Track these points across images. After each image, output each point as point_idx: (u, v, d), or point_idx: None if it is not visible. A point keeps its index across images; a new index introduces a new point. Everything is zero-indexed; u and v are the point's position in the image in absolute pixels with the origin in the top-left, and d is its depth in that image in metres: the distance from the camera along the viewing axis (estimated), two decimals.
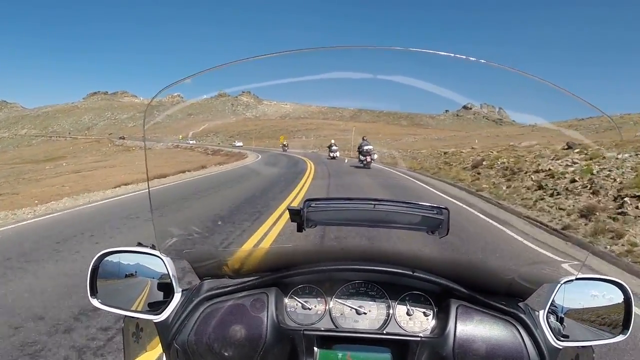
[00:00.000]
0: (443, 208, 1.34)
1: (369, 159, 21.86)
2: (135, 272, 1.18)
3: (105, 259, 1.17)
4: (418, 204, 1.38)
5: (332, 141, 34.11)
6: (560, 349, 1.10)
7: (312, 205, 1.35)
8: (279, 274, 1.19)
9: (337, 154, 31.79)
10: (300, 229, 1.37)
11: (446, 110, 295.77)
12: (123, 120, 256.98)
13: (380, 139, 62.62)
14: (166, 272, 1.15)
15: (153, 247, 1.17)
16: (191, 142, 60.24)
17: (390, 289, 1.21)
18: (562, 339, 1.10)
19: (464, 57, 1.09)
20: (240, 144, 64.28)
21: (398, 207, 1.37)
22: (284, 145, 47.68)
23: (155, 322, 1.13)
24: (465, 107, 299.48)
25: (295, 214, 1.35)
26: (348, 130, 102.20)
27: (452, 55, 1.10)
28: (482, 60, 1.13)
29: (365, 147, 22.07)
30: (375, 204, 1.36)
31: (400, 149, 35.59)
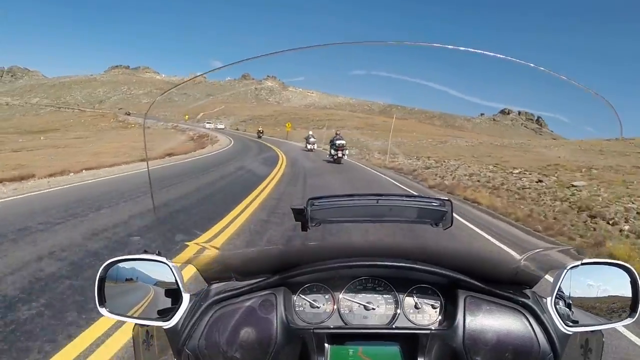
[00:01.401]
0: (446, 200, 1.41)
1: (340, 154, 22.05)
2: (143, 279, 1.19)
3: (112, 267, 1.18)
4: (421, 197, 1.47)
5: (310, 132, 33.70)
6: (570, 334, 1.13)
7: (315, 203, 1.39)
8: (286, 274, 1.20)
9: (315, 146, 31.45)
10: (304, 228, 1.42)
11: (482, 114, 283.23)
12: (138, 95, 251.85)
13: (415, 138, 52.80)
14: (173, 278, 1.16)
15: (159, 254, 1.18)
16: (208, 125, 60.95)
17: (397, 283, 1.24)
18: (571, 324, 1.13)
19: (510, 58, 1.16)
20: (222, 126, 65.65)
21: (401, 201, 1.44)
22: (260, 132, 48.98)
23: (165, 329, 1.15)
24: (502, 112, 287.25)
25: (299, 213, 1.40)
26: (378, 125, 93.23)
27: (501, 56, 1.16)
28: (531, 64, 1.17)
29: (338, 142, 22.36)
30: (378, 199, 1.40)
31: (455, 156, 26.87)
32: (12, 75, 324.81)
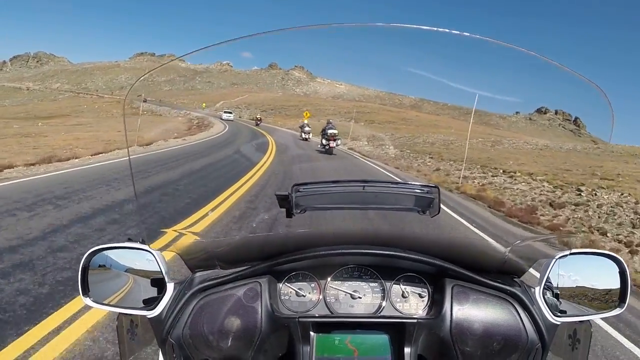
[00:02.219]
0: (433, 186, 1.42)
1: (332, 143, 21.79)
2: (127, 268, 1.19)
3: (95, 256, 1.18)
4: (408, 184, 1.49)
5: (305, 122, 33.75)
6: (558, 324, 1.14)
7: (300, 190, 1.40)
8: (271, 262, 1.20)
9: (310, 135, 31.24)
10: (289, 214, 1.43)
11: (517, 112, 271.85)
12: (160, 82, 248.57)
13: (458, 136, 45.96)
14: (158, 267, 1.16)
15: (143, 242, 1.18)
16: (226, 115, 57.77)
17: (384, 271, 1.24)
18: (559, 314, 1.14)
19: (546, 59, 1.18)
20: (230, 116, 59.00)
21: (388, 188, 1.46)
22: (257, 119, 50.11)
23: (149, 318, 1.14)
24: (538, 111, 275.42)
25: (284, 200, 1.41)
26: (410, 119, 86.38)
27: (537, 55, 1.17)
28: (567, 69, 1.18)
29: (330, 131, 21.93)
30: (364, 186, 1.42)
31: (545, 168, 19.99)
32: (37, 61, 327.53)
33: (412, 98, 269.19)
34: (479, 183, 15.95)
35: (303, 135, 31.27)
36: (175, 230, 4.58)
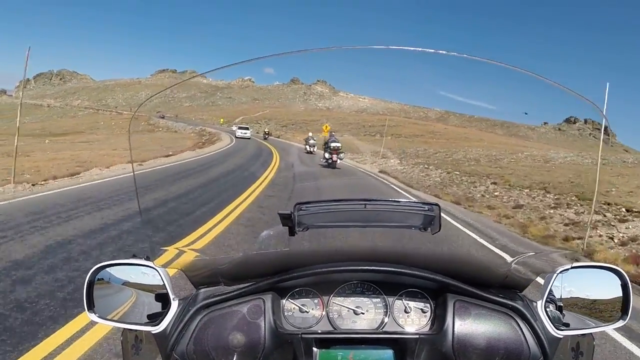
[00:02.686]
0: (434, 204, 1.45)
1: (335, 157, 21.08)
2: (132, 284, 1.22)
3: (101, 272, 1.20)
4: (409, 202, 1.51)
5: (310, 134, 33.81)
6: (561, 338, 1.16)
7: (302, 208, 1.43)
8: (275, 279, 1.22)
9: (315, 148, 30.62)
10: (292, 232, 1.47)
11: (545, 122, 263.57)
12: (180, 99, 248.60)
13: (494, 148, 41.59)
14: (162, 283, 1.18)
15: (147, 259, 1.21)
16: (240, 132, 48.39)
17: (387, 287, 1.26)
18: (562, 327, 1.16)
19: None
20: (247, 133, 47.67)
21: (389, 206, 1.49)
22: (266, 133, 49.84)
23: (153, 334, 1.17)
24: (567, 121, 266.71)
25: (286, 218, 1.45)
26: (439, 132, 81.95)
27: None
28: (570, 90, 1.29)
29: (333, 144, 21.22)
30: (366, 204, 1.45)
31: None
32: (60, 78, 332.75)
33: (438, 110, 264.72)
34: (617, 240, 9.55)
35: (308, 149, 31.03)
36: (176, 248, 4.28)
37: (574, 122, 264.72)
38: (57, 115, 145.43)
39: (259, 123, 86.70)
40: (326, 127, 35.75)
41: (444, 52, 1.24)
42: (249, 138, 46.04)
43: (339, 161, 21.61)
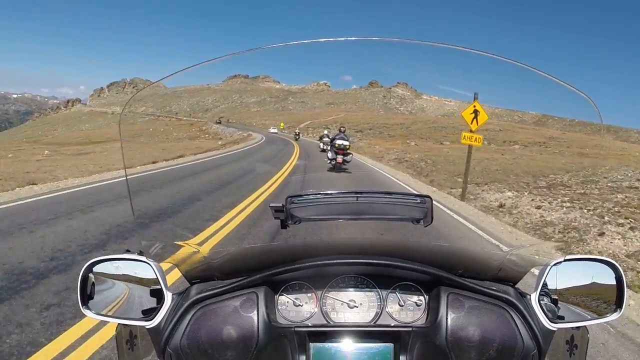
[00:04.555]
0: (425, 196, 1.48)
1: (340, 159, 17.65)
2: (126, 279, 1.23)
3: (94, 267, 1.21)
4: (400, 194, 1.52)
5: (325, 132, 32.95)
6: (554, 330, 1.17)
7: (294, 201, 1.47)
8: (268, 272, 1.23)
9: (328, 146, 25.07)
10: (284, 225, 1.51)
11: None
12: (248, 104, 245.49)
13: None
14: (156, 278, 1.20)
15: (141, 254, 1.22)
16: (272, 129, 70.54)
17: (381, 280, 1.28)
18: (557, 320, 1.17)
19: None
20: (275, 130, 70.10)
21: (381, 199, 1.51)
22: (297, 134, 53.17)
23: (147, 328, 1.18)
24: None
25: (278, 211, 1.48)
26: (559, 138, 64.23)
27: None
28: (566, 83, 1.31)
29: (338, 142, 17.79)
30: (357, 197, 1.49)
31: None
32: (133, 87, 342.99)
33: (534, 114, 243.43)
34: None
35: (322, 146, 29.88)
36: (177, 243, 2.86)
37: None
38: (115, 122, 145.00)
39: (329, 128, 73.98)
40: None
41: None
42: (276, 133, 60.97)
43: (346, 163, 18.08)
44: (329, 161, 18.68)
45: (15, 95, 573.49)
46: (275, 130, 70.00)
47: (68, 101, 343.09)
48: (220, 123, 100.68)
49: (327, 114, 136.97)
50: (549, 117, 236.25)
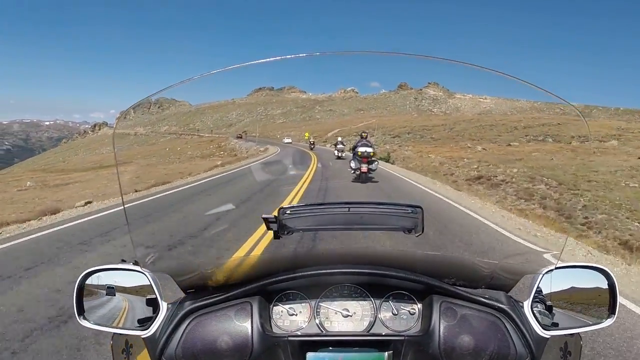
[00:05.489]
0: (417, 206, 1.48)
1: (365, 167, 15.57)
2: (122, 289, 1.25)
3: (90, 277, 1.24)
4: (392, 204, 1.53)
5: (339, 139, 30.13)
6: (548, 338, 1.19)
7: (287, 212, 1.48)
8: (262, 282, 1.26)
9: (344, 153, 26.23)
10: (276, 236, 1.51)
11: None
12: (274, 115, 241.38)
13: None
14: (151, 287, 1.22)
15: (136, 263, 1.25)
16: (286, 139, 72.26)
17: (374, 289, 1.31)
18: (550, 328, 1.19)
19: None
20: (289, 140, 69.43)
21: (372, 209, 1.52)
22: (311, 143, 49.13)
23: (143, 338, 1.20)
24: None
25: (271, 222, 1.49)
26: (632, 130, 55.16)
27: None
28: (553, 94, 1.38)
29: (361, 149, 15.62)
30: (349, 207, 1.49)
31: None
32: (159, 107, 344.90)
33: (576, 105, 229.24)
34: None
35: (336, 153, 26.58)
36: (172, 253, 4.55)
37: None
38: (137, 144, 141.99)
39: (357, 134, 67.04)
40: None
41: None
42: (290, 143, 63.96)
43: (371, 172, 15.78)
44: (352, 171, 16.18)
45: (47, 123, 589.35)
46: (290, 140, 70.03)
47: (95, 125, 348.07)
48: (241, 137, 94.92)
49: (357, 121, 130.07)
50: (592, 107, 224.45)
